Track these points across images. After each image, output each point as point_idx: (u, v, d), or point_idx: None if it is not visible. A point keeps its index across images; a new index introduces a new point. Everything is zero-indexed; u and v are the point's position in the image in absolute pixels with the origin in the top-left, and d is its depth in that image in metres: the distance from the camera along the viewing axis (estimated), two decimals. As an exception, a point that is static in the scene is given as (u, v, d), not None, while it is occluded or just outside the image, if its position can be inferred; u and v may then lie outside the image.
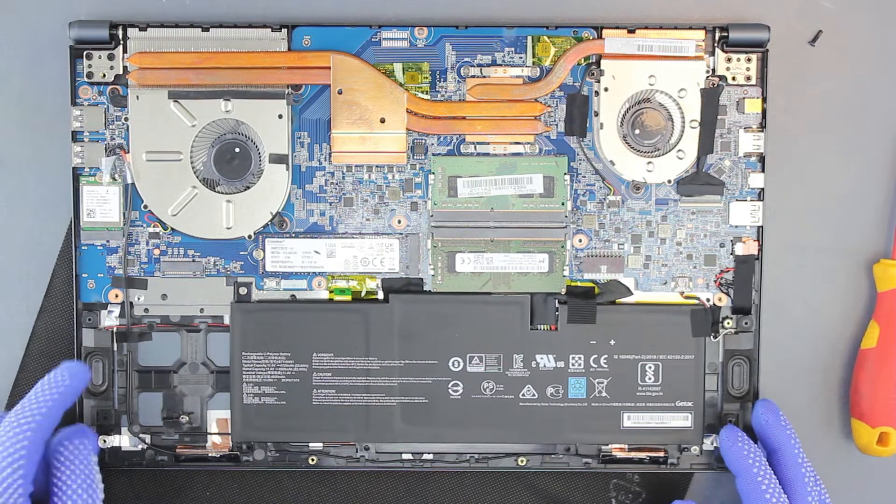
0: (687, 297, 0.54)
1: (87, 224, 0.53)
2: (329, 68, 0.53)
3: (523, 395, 0.53)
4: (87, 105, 0.53)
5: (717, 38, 0.53)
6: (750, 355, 0.54)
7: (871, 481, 0.56)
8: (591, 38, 0.53)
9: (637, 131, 0.53)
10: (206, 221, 0.53)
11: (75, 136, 0.53)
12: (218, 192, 0.53)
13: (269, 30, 0.53)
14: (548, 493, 0.56)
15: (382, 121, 0.53)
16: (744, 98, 0.53)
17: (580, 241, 0.54)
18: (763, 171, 0.53)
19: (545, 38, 0.53)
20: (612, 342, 0.53)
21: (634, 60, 0.53)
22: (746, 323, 0.54)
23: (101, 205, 0.53)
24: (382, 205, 0.54)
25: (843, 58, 0.55)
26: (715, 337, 0.54)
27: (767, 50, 0.53)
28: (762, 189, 0.54)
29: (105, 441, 0.54)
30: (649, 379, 0.53)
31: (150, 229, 0.54)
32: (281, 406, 0.53)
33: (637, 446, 0.54)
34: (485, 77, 0.53)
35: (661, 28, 0.53)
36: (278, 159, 0.53)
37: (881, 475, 0.56)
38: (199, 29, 0.53)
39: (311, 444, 0.54)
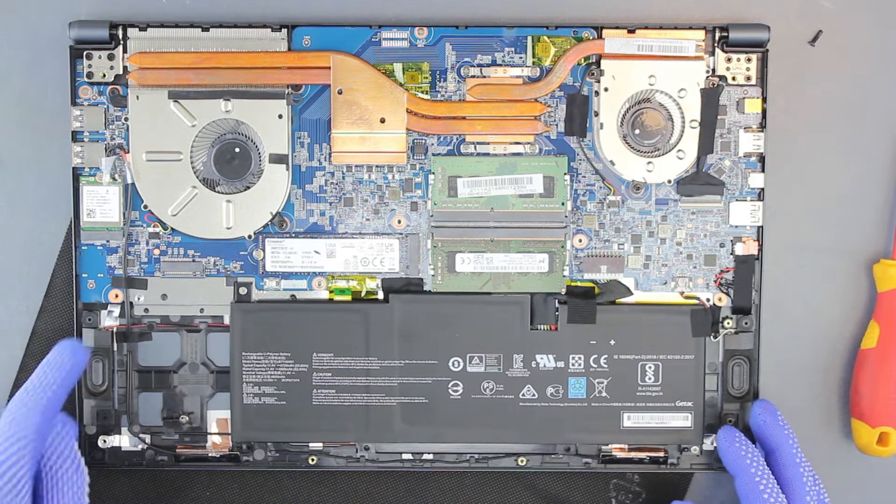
0: (687, 297, 0.54)
1: (87, 224, 0.53)
2: (329, 68, 0.53)
3: (523, 395, 0.53)
4: (87, 105, 0.53)
5: (717, 38, 0.53)
6: (750, 355, 0.54)
7: (871, 481, 0.56)
8: (591, 38, 0.53)
9: (637, 131, 0.53)
10: (206, 221, 0.53)
11: (75, 136, 0.53)
12: (218, 192, 0.53)
13: (269, 30, 0.53)
14: (548, 493, 0.56)
15: (382, 121, 0.53)
16: (744, 98, 0.53)
17: (580, 241, 0.54)
18: (763, 171, 0.53)
19: (545, 38, 0.53)
20: (612, 342, 0.53)
21: (634, 60, 0.53)
22: (746, 323, 0.54)
23: (101, 205, 0.53)
24: (382, 205, 0.54)
25: (843, 58, 0.55)
26: (715, 337, 0.54)
27: (767, 50, 0.53)
28: (762, 189, 0.54)
29: (105, 441, 0.54)
30: (649, 379, 0.53)
31: (150, 229, 0.54)
32: (281, 406, 0.53)
33: (637, 446, 0.54)
34: (485, 77, 0.53)
35: (661, 28, 0.53)
36: (278, 159, 0.53)
37: (881, 475, 0.56)
38: (199, 29, 0.53)
39: (311, 444, 0.54)
